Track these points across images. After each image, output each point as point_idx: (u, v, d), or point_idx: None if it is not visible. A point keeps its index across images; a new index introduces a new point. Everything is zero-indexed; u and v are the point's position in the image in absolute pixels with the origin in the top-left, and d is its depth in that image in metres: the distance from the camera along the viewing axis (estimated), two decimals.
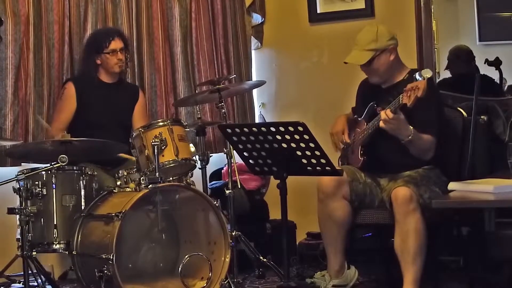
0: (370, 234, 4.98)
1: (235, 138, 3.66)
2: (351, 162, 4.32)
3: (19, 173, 4.05)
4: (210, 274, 4.10)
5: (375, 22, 4.48)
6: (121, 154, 4.50)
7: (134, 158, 4.43)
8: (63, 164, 3.88)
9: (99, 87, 4.77)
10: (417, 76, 3.93)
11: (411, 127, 3.96)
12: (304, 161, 3.54)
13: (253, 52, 5.93)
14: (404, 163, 4.15)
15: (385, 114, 3.90)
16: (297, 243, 5.38)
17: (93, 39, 4.80)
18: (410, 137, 3.95)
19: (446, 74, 6.59)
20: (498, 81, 6.29)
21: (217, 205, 4.22)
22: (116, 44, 4.72)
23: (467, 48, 6.39)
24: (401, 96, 3.89)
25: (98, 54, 4.72)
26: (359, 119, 4.34)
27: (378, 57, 4.16)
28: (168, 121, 4.32)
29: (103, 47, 4.71)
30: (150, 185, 4.02)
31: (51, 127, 4.68)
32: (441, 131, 4.13)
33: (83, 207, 4.14)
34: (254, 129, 3.58)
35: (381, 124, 3.94)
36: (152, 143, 4.13)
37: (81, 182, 4.17)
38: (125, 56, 4.78)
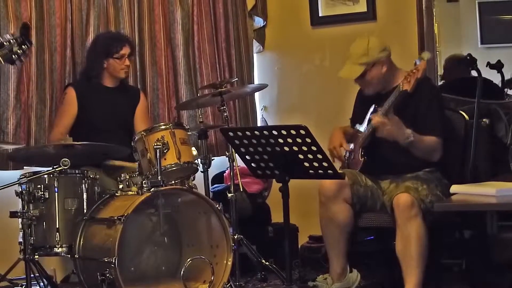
0: (372, 237, 4.98)
1: (237, 142, 3.66)
2: (351, 167, 4.32)
3: (21, 177, 4.05)
4: (212, 278, 4.10)
5: (374, 29, 4.48)
6: (113, 162, 4.50)
7: (128, 164, 4.43)
8: (65, 167, 3.88)
9: (100, 91, 4.78)
10: (417, 61, 3.94)
11: (409, 130, 3.97)
12: (306, 164, 3.54)
13: (255, 55, 5.93)
14: (405, 164, 4.16)
15: (375, 120, 3.92)
16: (299, 246, 5.37)
17: (104, 43, 4.79)
18: (409, 139, 3.96)
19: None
20: (500, 84, 6.29)
21: (219, 208, 4.22)
22: (126, 50, 4.75)
23: (462, 55, 6.38)
24: (401, 84, 3.90)
25: (107, 58, 4.73)
26: (359, 126, 4.34)
27: (370, 70, 4.17)
28: (170, 124, 4.32)
29: (114, 51, 4.72)
30: (152, 189, 4.02)
31: (53, 131, 4.70)
32: (445, 134, 4.14)
33: (85, 211, 4.14)
34: (256, 132, 3.59)
35: (376, 133, 3.95)
36: (154, 147, 4.14)
37: (83, 185, 4.17)
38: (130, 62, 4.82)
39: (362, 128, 4.29)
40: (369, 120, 4.22)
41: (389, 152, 4.13)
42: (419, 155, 4.07)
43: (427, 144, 4.06)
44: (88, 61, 4.82)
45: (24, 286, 4.01)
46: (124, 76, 4.80)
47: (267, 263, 4.58)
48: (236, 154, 4.21)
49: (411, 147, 4.02)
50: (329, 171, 3.56)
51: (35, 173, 4.09)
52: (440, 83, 6.29)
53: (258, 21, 5.88)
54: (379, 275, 4.64)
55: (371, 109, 4.24)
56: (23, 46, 3.78)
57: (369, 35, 4.28)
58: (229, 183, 4.63)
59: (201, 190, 4.50)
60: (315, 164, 3.53)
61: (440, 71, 6.73)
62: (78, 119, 4.71)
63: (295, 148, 3.50)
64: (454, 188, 3.47)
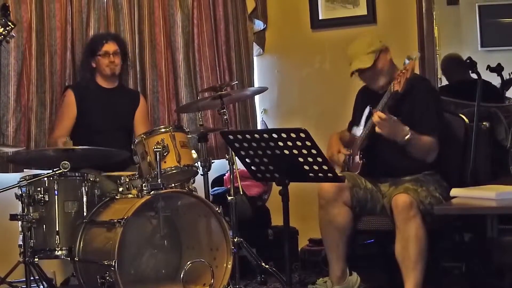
0: (372, 240, 4.98)
1: (237, 145, 3.66)
2: (351, 170, 4.32)
3: (21, 180, 4.05)
4: (212, 281, 4.10)
5: (374, 32, 4.52)
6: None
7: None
8: (65, 170, 3.88)
9: (98, 92, 4.79)
10: (406, 61, 3.95)
11: (407, 128, 3.97)
12: (306, 167, 3.54)
13: (255, 58, 5.93)
14: (404, 167, 4.16)
15: (377, 115, 3.92)
16: (299, 249, 5.37)
17: (89, 43, 4.86)
18: (407, 138, 3.97)
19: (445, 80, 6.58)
20: (500, 87, 6.29)
21: (219, 211, 4.22)
22: (109, 46, 4.75)
23: (459, 56, 6.39)
24: (392, 85, 3.92)
25: (93, 57, 4.76)
26: (355, 129, 4.35)
27: (379, 58, 4.18)
28: (170, 127, 4.32)
29: (97, 49, 4.74)
30: (152, 192, 4.03)
31: (53, 134, 4.70)
32: (442, 134, 4.14)
33: (85, 214, 4.14)
34: (256, 135, 3.58)
35: (377, 129, 3.96)
36: (154, 150, 4.14)
37: (83, 188, 4.17)
38: (121, 60, 4.80)
39: (359, 130, 4.30)
40: (365, 122, 4.22)
41: (388, 155, 4.14)
42: (415, 155, 4.08)
43: (424, 143, 4.06)
44: (81, 64, 4.86)
45: None
46: (109, 72, 4.78)
47: (267, 266, 4.57)
48: (236, 157, 4.21)
49: (408, 146, 4.02)
50: (329, 174, 3.56)
51: (35, 176, 4.09)
52: (439, 85, 6.30)
53: (258, 24, 5.88)
54: (379, 278, 4.64)
55: (366, 111, 4.24)
56: (7, 28, 3.82)
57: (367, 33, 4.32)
58: (229, 186, 4.62)
59: (201, 193, 4.49)
60: (315, 167, 3.53)
61: (440, 74, 6.74)
62: (77, 121, 4.72)
63: (295, 151, 3.49)
64: (454, 192, 3.47)
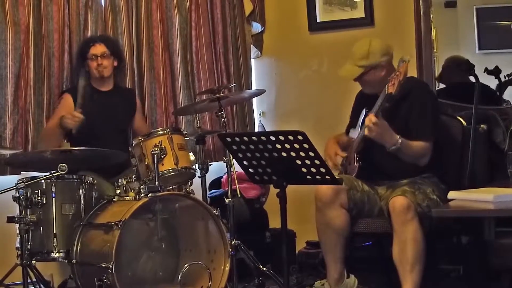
0: (369, 243, 4.98)
1: (234, 147, 3.66)
2: (348, 172, 4.32)
3: (18, 182, 4.05)
4: (209, 283, 4.10)
5: (372, 35, 4.45)
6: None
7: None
8: (63, 172, 3.88)
9: (95, 96, 4.76)
10: (400, 63, 3.95)
11: (397, 136, 3.97)
12: (304, 170, 3.54)
13: (252, 61, 5.93)
14: (401, 170, 4.16)
15: (369, 118, 3.93)
16: (296, 251, 5.37)
17: (79, 47, 4.84)
18: (394, 147, 3.97)
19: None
20: (497, 90, 6.29)
21: (216, 213, 4.22)
22: (96, 49, 4.73)
23: (463, 58, 6.39)
24: (386, 87, 3.92)
25: (84, 61, 4.74)
26: (353, 131, 4.35)
27: (367, 73, 4.18)
28: (168, 130, 4.33)
29: (86, 53, 4.72)
30: (150, 194, 4.03)
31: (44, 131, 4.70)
32: (438, 136, 4.14)
33: (82, 216, 4.14)
34: (253, 138, 3.57)
35: (366, 131, 3.96)
36: (152, 152, 4.14)
37: (80, 190, 4.17)
38: (112, 61, 4.79)
39: (356, 132, 4.30)
40: (362, 125, 4.23)
41: (385, 157, 4.13)
42: (406, 160, 4.09)
43: (414, 150, 4.07)
44: (73, 68, 4.85)
45: None
46: (98, 75, 4.75)
47: (264, 268, 4.58)
48: (233, 160, 4.21)
49: (397, 152, 4.03)
50: (327, 177, 3.55)
51: (32, 178, 4.09)
52: (437, 87, 6.30)
53: (256, 27, 5.88)
54: (376, 281, 4.64)
55: (363, 113, 4.25)
56: None
57: (372, 38, 4.27)
58: (226, 189, 4.62)
59: (198, 195, 4.49)
60: (313, 169, 3.53)
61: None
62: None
63: (293, 154, 3.49)
64: (451, 194, 3.47)
